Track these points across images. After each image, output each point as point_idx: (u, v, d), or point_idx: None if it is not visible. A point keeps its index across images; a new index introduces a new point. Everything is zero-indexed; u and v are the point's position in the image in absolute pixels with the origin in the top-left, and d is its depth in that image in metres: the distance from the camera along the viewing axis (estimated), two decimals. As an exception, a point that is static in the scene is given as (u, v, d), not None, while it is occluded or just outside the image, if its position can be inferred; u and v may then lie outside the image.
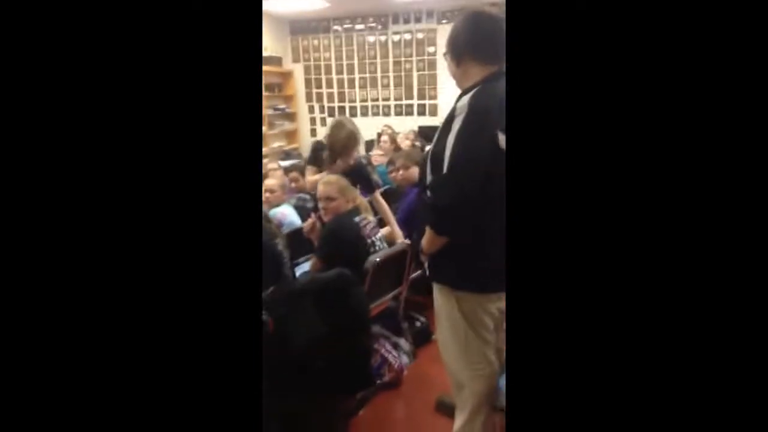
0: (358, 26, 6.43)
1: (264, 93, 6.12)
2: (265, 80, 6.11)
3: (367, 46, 6.51)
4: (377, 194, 2.23)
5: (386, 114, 6.64)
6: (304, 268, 2.13)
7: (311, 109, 7.02)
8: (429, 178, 1.17)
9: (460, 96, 1.13)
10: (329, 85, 6.82)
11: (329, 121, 6.90)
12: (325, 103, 6.91)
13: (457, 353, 1.28)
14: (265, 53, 6.25)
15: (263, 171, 3.40)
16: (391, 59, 6.45)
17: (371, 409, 1.76)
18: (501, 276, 0.70)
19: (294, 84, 6.86)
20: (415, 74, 6.42)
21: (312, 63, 6.79)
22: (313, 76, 6.85)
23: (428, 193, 1.17)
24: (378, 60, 6.52)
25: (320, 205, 1.93)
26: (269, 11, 5.93)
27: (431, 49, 6.23)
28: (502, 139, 0.99)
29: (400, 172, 2.35)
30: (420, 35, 6.24)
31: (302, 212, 2.69)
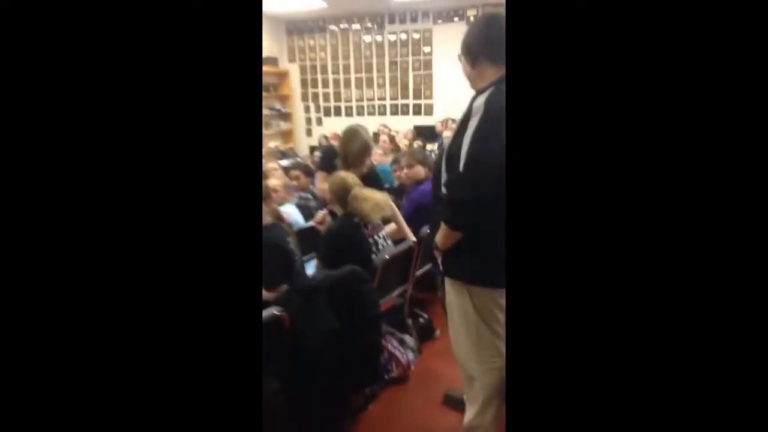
0: (354, 26, 6.46)
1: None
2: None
3: (362, 46, 6.53)
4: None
5: (382, 113, 6.67)
6: (309, 266, 2.16)
7: (307, 109, 7.03)
8: (444, 175, 1.20)
9: (475, 96, 1.16)
10: (325, 84, 6.84)
11: (325, 120, 6.93)
12: (321, 103, 6.93)
13: (469, 347, 1.32)
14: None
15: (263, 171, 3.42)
16: (387, 59, 6.49)
17: (380, 404, 1.79)
18: None
19: (290, 84, 6.87)
20: (410, 74, 6.46)
21: (308, 63, 6.80)
22: (308, 76, 6.86)
23: (443, 190, 1.20)
24: (374, 60, 6.55)
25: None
26: (266, 11, 5.92)
27: (427, 49, 6.28)
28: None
29: (405, 170, 2.38)
30: (416, 35, 6.28)
31: (304, 211, 2.71)
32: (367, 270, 1.69)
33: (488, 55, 1.17)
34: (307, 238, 2.21)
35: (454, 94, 6.03)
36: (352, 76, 6.69)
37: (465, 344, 1.33)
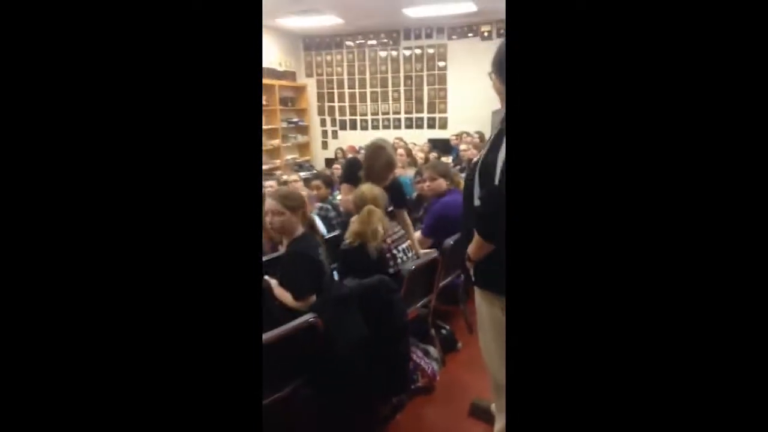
0: (370, 42, 6.60)
1: (278, 107, 6.25)
2: (279, 94, 6.25)
3: (378, 61, 6.66)
4: (403, 210, 2.30)
5: (397, 127, 6.76)
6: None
7: (323, 123, 7.15)
8: (478, 189, 1.24)
9: (509, 112, 1.20)
10: (341, 99, 6.97)
11: (340, 134, 7.04)
12: (337, 117, 7.05)
13: (500, 356, 1.34)
14: (279, 68, 6.40)
15: (285, 182, 3.49)
16: (402, 74, 6.60)
17: (407, 414, 1.80)
18: None
19: (307, 98, 7.01)
20: (425, 88, 6.55)
21: (324, 77, 6.95)
22: (325, 91, 7.00)
23: (477, 202, 1.24)
24: (389, 74, 6.67)
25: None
26: (284, 27, 6.09)
27: (441, 64, 6.38)
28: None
29: (427, 183, 2.42)
30: (431, 50, 6.39)
31: (325, 221, 2.76)
32: (393, 280, 1.73)
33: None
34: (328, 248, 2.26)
35: (468, 108, 6.11)
36: (368, 90, 6.82)
37: (496, 354, 1.35)
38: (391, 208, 2.23)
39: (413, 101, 6.65)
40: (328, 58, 6.87)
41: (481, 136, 5.10)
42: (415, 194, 3.31)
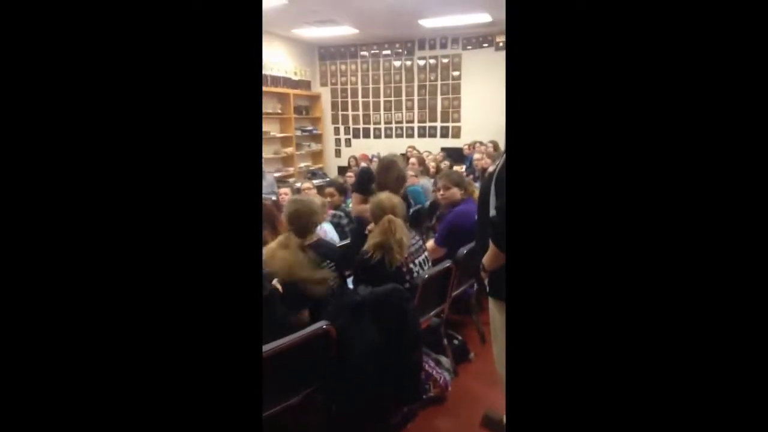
0: (385, 51, 6.66)
1: (293, 115, 6.33)
2: (293, 103, 6.34)
3: (392, 71, 6.71)
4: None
5: (410, 136, 6.79)
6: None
7: (336, 131, 7.21)
8: (494, 199, 1.24)
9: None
10: (355, 107, 7.03)
11: (354, 142, 7.09)
12: (351, 125, 7.10)
13: (514, 367, 1.33)
14: (294, 77, 6.49)
15: (299, 190, 3.53)
16: (416, 83, 6.64)
17: (418, 424, 1.79)
18: None
19: (321, 106, 7.08)
20: (439, 98, 6.58)
21: (339, 86, 7.02)
22: (339, 99, 7.07)
23: (493, 212, 1.24)
24: (403, 84, 6.71)
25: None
26: (300, 37, 6.19)
27: (456, 74, 6.40)
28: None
29: (441, 192, 2.43)
30: (445, 60, 6.43)
31: (338, 228, 2.78)
32: (406, 289, 1.73)
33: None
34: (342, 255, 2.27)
35: (481, 117, 6.11)
36: (382, 99, 6.87)
37: (510, 365, 1.34)
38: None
39: (427, 110, 6.68)
40: (343, 67, 6.95)
41: (495, 145, 5.09)
42: (428, 203, 3.32)
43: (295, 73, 6.54)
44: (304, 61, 6.77)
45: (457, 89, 6.46)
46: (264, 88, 5.76)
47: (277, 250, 1.68)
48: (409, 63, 6.62)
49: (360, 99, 6.97)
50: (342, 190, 3.40)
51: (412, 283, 1.86)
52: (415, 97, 6.70)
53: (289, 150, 6.38)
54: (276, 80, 6.06)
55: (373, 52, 6.73)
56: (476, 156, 4.53)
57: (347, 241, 2.51)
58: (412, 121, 6.80)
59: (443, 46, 6.40)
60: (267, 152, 5.89)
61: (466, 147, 5.69)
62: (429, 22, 5.34)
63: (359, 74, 6.89)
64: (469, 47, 6.25)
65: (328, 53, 6.93)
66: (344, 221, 2.96)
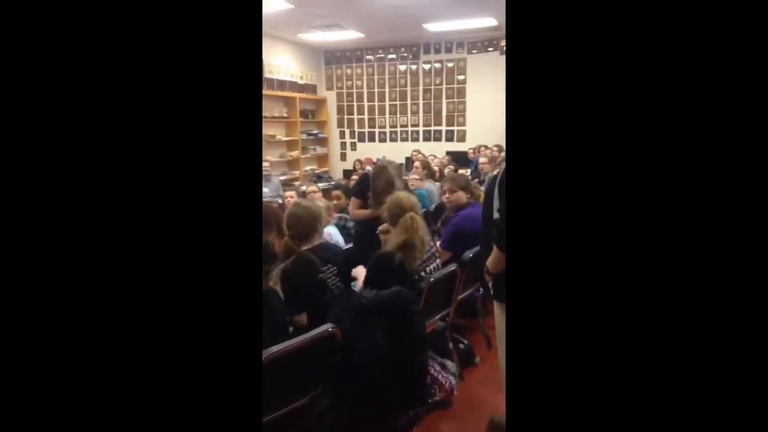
0: (390, 55, 6.69)
1: (299, 119, 6.37)
2: (299, 107, 6.37)
3: (398, 75, 6.74)
4: None
5: (415, 139, 6.80)
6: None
7: (342, 135, 7.24)
8: (497, 201, 1.24)
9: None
10: (360, 111, 7.05)
11: (359, 146, 7.11)
12: (356, 129, 7.13)
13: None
14: (300, 81, 6.53)
15: (304, 193, 3.55)
16: (421, 87, 6.66)
17: (423, 428, 1.78)
18: None
19: (327, 110, 7.11)
20: (444, 102, 6.59)
21: (344, 90, 7.06)
22: (345, 103, 7.10)
23: (496, 215, 1.24)
24: (408, 88, 6.73)
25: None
26: (306, 42, 6.23)
27: (461, 78, 6.41)
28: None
29: (447, 195, 2.43)
30: (450, 64, 6.44)
31: (343, 231, 2.79)
32: (412, 292, 1.72)
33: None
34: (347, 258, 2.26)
35: (486, 121, 6.11)
36: (387, 103, 6.89)
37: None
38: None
39: (432, 114, 6.69)
40: (348, 71, 6.98)
41: (500, 148, 5.08)
42: (433, 206, 3.31)
43: (301, 77, 6.58)
44: (310, 65, 6.81)
45: (462, 93, 6.47)
46: (270, 92, 5.79)
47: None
48: (414, 67, 6.64)
49: (365, 103, 7.00)
50: (347, 194, 3.42)
51: (418, 288, 1.86)
52: (420, 101, 6.71)
53: (295, 153, 6.41)
54: (282, 84, 6.10)
55: (378, 56, 6.76)
56: (482, 160, 4.52)
57: (350, 245, 2.52)
58: (417, 125, 6.81)
59: (448, 50, 6.41)
60: (273, 155, 5.91)
61: (471, 151, 5.69)
62: (434, 26, 5.35)
63: (365, 78, 6.92)
64: (474, 51, 6.26)
65: (333, 57, 6.97)
66: (350, 224, 2.97)
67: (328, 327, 1.39)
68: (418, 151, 5.76)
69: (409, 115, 6.82)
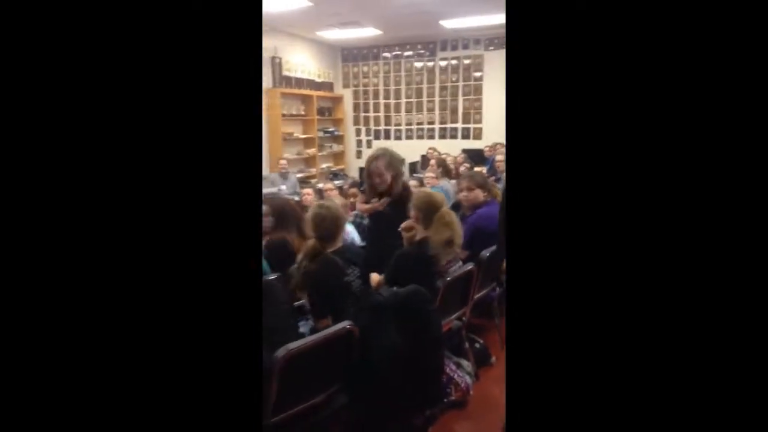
0: (407, 53, 6.66)
1: (315, 117, 6.40)
2: (317, 105, 6.40)
3: (414, 72, 6.71)
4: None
5: (431, 137, 6.76)
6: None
7: (358, 132, 7.25)
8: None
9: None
10: (376, 109, 7.04)
11: (375, 143, 7.10)
12: (372, 126, 7.13)
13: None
14: (317, 79, 6.56)
15: (321, 190, 3.56)
16: (437, 84, 6.62)
17: (439, 428, 1.78)
18: None
19: (343, 108, 7.13)
20: (460, 99, 6.54)
21: (361, 88, 7.06)
22: (361, 101, 7.10)
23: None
24: (425, 85, 6.69)
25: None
26: (323, 39, 6.25)
27: (477, 75, 6.35)
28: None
29: (464, 193, 2.41)
30: (467, 61, 6.38)
31: (359, 229, 2.80)
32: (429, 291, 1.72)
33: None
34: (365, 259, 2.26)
35: (503, 118, 6.03)
36: (403, 100, 6.86)
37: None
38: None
39: (448, 111, 6.65)
40: (365, 69, 6.98)
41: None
42: (450, 204, 3.30)
43: (319, 75, 6.60)
44: (328, 63, 6.83)
45: (478, 90, 6.41)
46: (288, 90, 5.83)
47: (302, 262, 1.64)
48: (431, 64, 6.60)
49: (381, 100, 6.99)
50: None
51: (435, 287, 1.85)
52: (437, 99, 6.67)
53: (312, 151, 6.45)
54: (300, 82, 6.13)
55: (395, 53, 6.74)
56: (498, 157, 4.48)
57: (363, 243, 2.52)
58: (433, 123, 6.77)
59: (465, 46, 6.35)
60: (290, 153, 5.96)
61: (487, 148, 5.63)
62: (451, 23, 5.31)
63: (381, 76, 6.91)
64: (491, 48, 6.19)
65: (350, 55, 6.97)
66: (365, 221, 2.98)
67: (345, 325, 1.40)
68: (434, 149, 5.73)
69: (425, 112, 6.78)
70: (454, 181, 3.68)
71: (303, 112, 6.29)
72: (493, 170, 4.54)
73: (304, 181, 5.38)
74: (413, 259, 1.81)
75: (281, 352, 1.21)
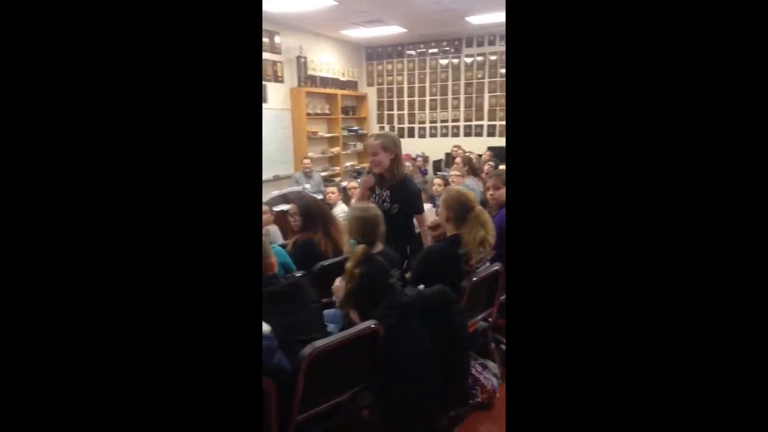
0: (432, 50, 6.61)
1: (340, 116, 6.43)
2: (341, 103, 6.44)
3: (439, 69, 6.65)
4: (421, 216, 2.21)
5: (455, 135, 6.70)
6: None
7: (381, 131, 7.25)
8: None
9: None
10: (400, 107, 7.03)
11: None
12: (396, 125, 7.11)
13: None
14: (342, 78, 6.59)
15: (344, 189, 3.58)
16: (462, 81, 6.54)
17: (464, 429, 1.77)
18: None
19: (367, 106, 7.14)
20: (486, 96, 6.45)
21: (385, 86, 7.05)
22: (385, 99, 7.10)
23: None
24: (449, 82, 6.63)
25: None
26: (348, 38, 6.27)
27: (503, 71, 6.24)
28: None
29: (491, 191, 2.38)
30: (493, 57, 6.28)
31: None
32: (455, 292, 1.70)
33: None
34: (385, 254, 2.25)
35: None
36: (427, 98, 6.82)
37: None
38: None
39: (473, 109, 6.57)
40: (389, 67, 6.97)
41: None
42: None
43: (343, 74, 6.63)
44: (352, 61, 6.85)
45: (504, 87, 6.30)
46: (313, 89, 5.88)
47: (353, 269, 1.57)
48: (456, 61, 6.53)
49: (405, 98, 6.97)
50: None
51: (461, 287, 1.83)
52: (462, 96, 6.60)
53: (336, 149, 6.49)
54: (325, 81, 6.18)
55: (420, 50, 6.70)
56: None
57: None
58: (458, 120, 6.70)
59: (491, 43, 6.26)
60: (315, 152, 6.01)
61: (514, 146, 5.52)
62: (477, 19, 5.24)
63: (405, 73, 6.89)
64: (519, 43, 6.08)
65: (375, 53, 6.97)
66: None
67: (371, 323, 1.40)
68: (459, 147, 5.66)
69: (449, 109, 6.72)
70: (476, 179, 3.62)
71: (327, 111, 6.34)
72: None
73: (328, 180, 5.42)
74: (443, 256, 1.79)
75: (308, 349, 1.22)
